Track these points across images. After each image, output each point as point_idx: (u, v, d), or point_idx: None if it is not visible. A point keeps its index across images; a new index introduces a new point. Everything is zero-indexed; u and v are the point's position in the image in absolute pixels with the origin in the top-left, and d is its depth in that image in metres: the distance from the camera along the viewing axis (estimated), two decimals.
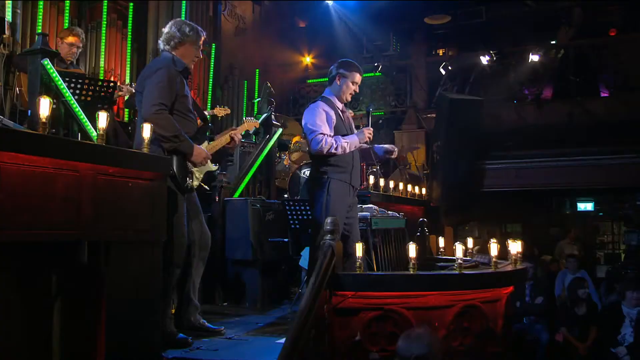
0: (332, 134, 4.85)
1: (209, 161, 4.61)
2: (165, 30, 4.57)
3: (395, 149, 5.31)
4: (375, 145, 5.30)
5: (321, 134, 4.77)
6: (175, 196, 4.29)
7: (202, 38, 4.64)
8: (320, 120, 4.84)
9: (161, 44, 4.56)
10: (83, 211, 3.20)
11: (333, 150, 4.78)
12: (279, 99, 12.51)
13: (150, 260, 3.70)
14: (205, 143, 4.66)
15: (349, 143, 4.88)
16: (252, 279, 6.54)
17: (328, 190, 4.82)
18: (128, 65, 8.97)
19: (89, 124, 5.65)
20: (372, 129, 5.06)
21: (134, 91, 6.72)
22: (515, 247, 4.88)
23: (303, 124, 4.98)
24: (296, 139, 9.69)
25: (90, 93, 5.84)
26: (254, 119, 5.73)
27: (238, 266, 6.59)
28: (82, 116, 5.65)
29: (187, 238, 4.44)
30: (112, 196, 3.41)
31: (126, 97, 7.53)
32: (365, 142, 5.05)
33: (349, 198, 4.97)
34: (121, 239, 3.48)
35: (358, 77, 5.05)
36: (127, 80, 8.70)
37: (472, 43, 13.56)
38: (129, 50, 9.01)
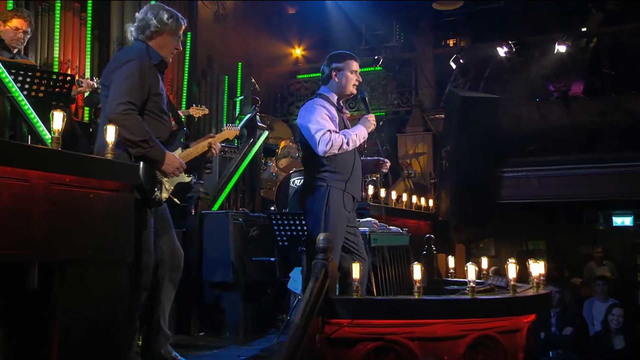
0: (337, 131, 4.87)
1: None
2: (139, 16, 4.51)
3: (387, 162, 5.34)
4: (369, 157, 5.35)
5: (328, 131, 4.79)
6: (141, 209, 4.25)
7: (183, 27, 4.63)
8: (323, 117, 4.87)
9: (133, 32, 4.51)
10: (34, 227, 3.18)
11: (345, 147, 4.81)
12: (265, 97, 12.54)
13: (114, 282, 3.68)
14: (179, 150, 4.62)
15: (358, 134, 4.92)
16: (233, 304, 6.51)
17: (327, 200, 4.82)
18: (88, 56, 8.89)
19: (41, 124, 5.60)
20: (373, 115, 5.10)
21: (95, 86, 6.69)
22: (537, 268, 4.88)
23: (301, 124, 4.98)
24: (284, 143, 9.68)
25: (42, 88, 5.73)
26: (235, 126, 5.71)
27: (217, 290, 6.57)
28: (33, 115, 5.60)
29: (153, 257, 4.40)
30: (69, 209, 3.39)
31: (86, 94, 7.45)
32: (372, 131, 5.07)
33: (350, 210, 4.99)
34: (79, 259, 3.45)
35: (355, 64, 5.10)
36: (87, 74, 8.65)
37: (487, 32, 13.63)
38: (88, 38, 8.94)
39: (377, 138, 5.42)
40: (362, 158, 5.30)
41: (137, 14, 4.58)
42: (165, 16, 4.49)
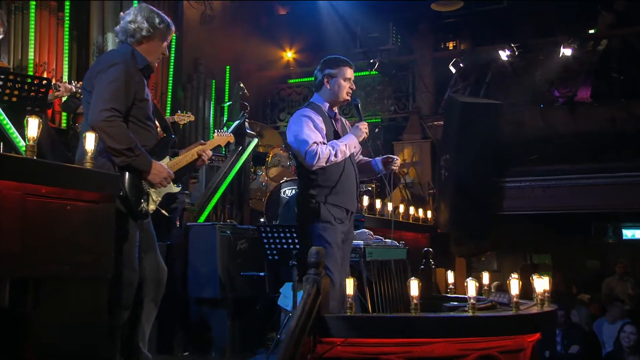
0: (325, 142, 4.85)
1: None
2: (128, 18, 4.46)
3: (397, 159, 5.30)
4: (374, 158, 5.30)
5: (314, 143, 4.77)
6: (125, 222, 4.23)
7: (172, 32, 4.61)
8: (309, 128, 4.85)
9: (119, 35, 4.49)
10: (6, 241, 3.15)
11: (333, 158, 4.78)
12: (254, 103, 12.53)
13: (93, 300, 3.65)
14: (167, 159, 4.59)
15: (347, 144, 4.89)
16: (221, 322, 6.50)
17: (319, 216, 4.81)
18: (66, 58, 8.86)
19: (15, 131, 5.59)
20: (365, 123, 5.07)
21: (73, 90, 6.65)
22: (541, 283, 4.87)
23: (288, 137, 4.98)
24: (275, 151, 9.68)
25: (16, 92, 5.65)
26: (227, 132, 5.69)
27: (203, 306, 6.56)
28: (6, 122, 5.58)
29: (137, 273, 4.38)
30: (45, 222, 3.36)
31: (64, 98, 7.40)
32: (364, 139, 5.05)
33: (344, 224, 4.97)
34: (56, 276, 3.42)
35: (349, 71, 5.07)
36: (65, 77, 8.63)
37: (489, 34, 13.64)
38: (66, 40, 8.91)
39: (371, 146, 5.38)
40: (368, 159, 5.29)
41: (122, 14, 4.53)
42: (157, 20, 4.46)
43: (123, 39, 4.46)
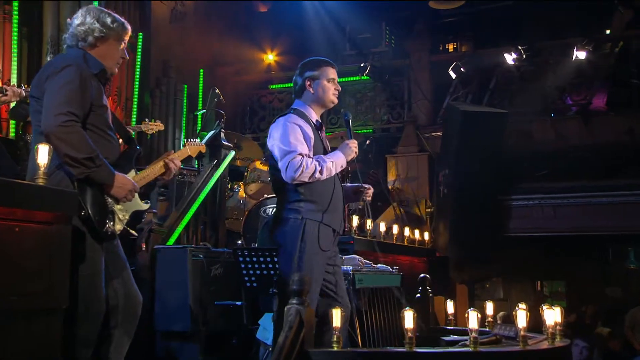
0: (311, 155, 4.84)
1: (137, 196, 4.53)
2: (76, 21, 4.44)
3: (369, 189, 5.31)
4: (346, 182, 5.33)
5: (299, 155, 4.75)
6: (88, 245, 4.18)
7: (129, 32, 4.60)
8: (295, 137, 4.83)
9: (68, 40, 4.47)
10: None
11: (317, 175, 4.77)
12: (231, 111, 12.54)
13: (45, 336, 3.61)
14: (133, 172, 4.56)
15: (335, 163, 4.89)
16: (191, 358, 6.46)
17: (303, 235, 4.79)
18: (15, 58, 8.83)
19: None
20: (355, 141, 5.08)
21: (23, 94, 6.60)
22: (552, 315, 4.86)
23: (270, 145, 4.96)
24: (254, 165, 9.68)
25: None
26: (198, 142, 5.69)
27: (171, 341, 6.53)
28: None
29: (104, 304, 4.33)
30: None
31: (12, 104, 7.40)
32: (352, 159, 5.06)
33: (330, 246, 4.95)
34: (1, 308, 3.37)
35: (332, 71, 5.09)
36: (14, 80, 8.60)
37: (493, 35, 13.72)
38: (15, 37, 8.87)
39: (361, 160, 5.39)
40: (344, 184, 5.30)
41: (69, 20, 4.51)
42: (109, 20, 4.44)
43: (73, 44, 4.43)
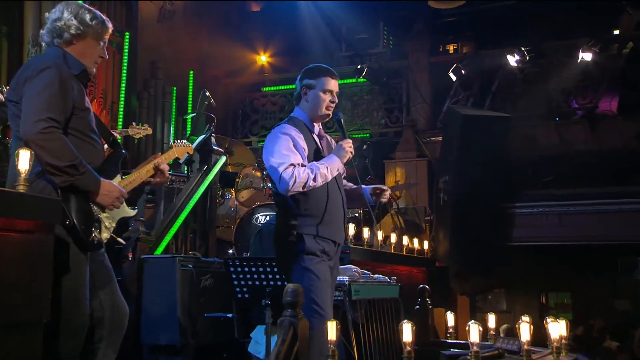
0: (305, 164, 4.83)
1: (124, 202, 4.52)
2: (53, 16, 4.41)
3: (387, 190, 5.29)
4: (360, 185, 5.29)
5: (291, 165, 4.74)
6: (72, 255, 4.15)
7: (109, 31, 4.58)
8: (286, 148, 4.83)
9: (45, 37, 4.45)
10: None
11: (311, 183, 4.75)
12: (223, 114, 12.55)
13: (25, 351, 3.59)
14: (118, 177, 4.54)
15: (329, 167, 4.86)
16: None
17: (303, 251, 4.78)
18: None
19: None
20: (349, 140, 5.06)
21: (3, 100, 6.61)
22: (557, 328, 4.85)
23: (264, 157, 4.96)
24: (246, 170, 9.68)
25: None
26: (187, 143, 5.68)
27: (159, 355, 6.50)
28: None
29: (88, 317, 4.31)
30: None
31: None
32: (348, 160, 5.04)
33: (331, 259, 4.94)
34: None
35: (331, 83, 5.05)
36: None
37: (495, 35, 13.73)
38: None
39: (357, 165, 5.35)
40: (355, 186, 5.27)
41: (47, 14, 4.49)
42: (88, 16, 4.41)
43: (49, 41, 4.40)
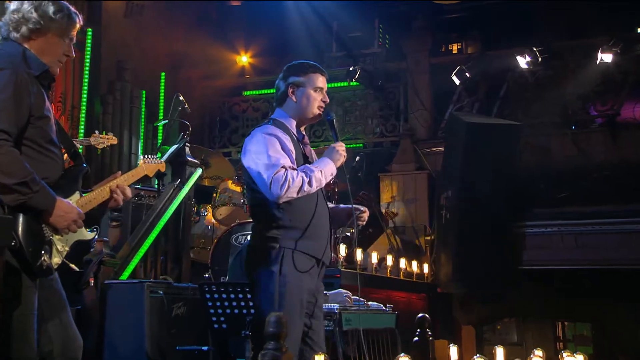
0: (295, 167, 4.82)
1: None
2: (12, 6, 4.38)
3: (365, 211, 5.28)
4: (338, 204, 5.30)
5: (282, 168, 4.73)
6: (18, 282, 4.12)
7: (78, 26, 4.53)
8: (275, 149, 4.81)
9: (3, 31, 4.41)
10: None
11: (306, 187, 4.73)
12: (198, 121, 12.56)
13: None
14: (77, 194, 4.50)
15: (324, 171, 4.85)
16: None
17: (281, 267, 4.76)
18: None
19: None
20: (342, 144, 5.06)
21: None
22: None
23: (246, 161, 4.93)
24: (225, 184, 9.67)
25: None
26: (157, 159, 5.66)
27: None
28: None
29: (35, 350, 4.28)
30: None
31: None
32: (342, 164, 5.04)
33: (313, 280, 4.92)
34: None
35: (321, 79, 5.06)
36: None
37: (504, 34, 13.77)
38: None
39: (349, 179, 5.35)
40: (330, 205, 5.27)
41: (7, 2, 4.46)
42: (51, 9, 4.33)
43: (5, 35, 4.33)
